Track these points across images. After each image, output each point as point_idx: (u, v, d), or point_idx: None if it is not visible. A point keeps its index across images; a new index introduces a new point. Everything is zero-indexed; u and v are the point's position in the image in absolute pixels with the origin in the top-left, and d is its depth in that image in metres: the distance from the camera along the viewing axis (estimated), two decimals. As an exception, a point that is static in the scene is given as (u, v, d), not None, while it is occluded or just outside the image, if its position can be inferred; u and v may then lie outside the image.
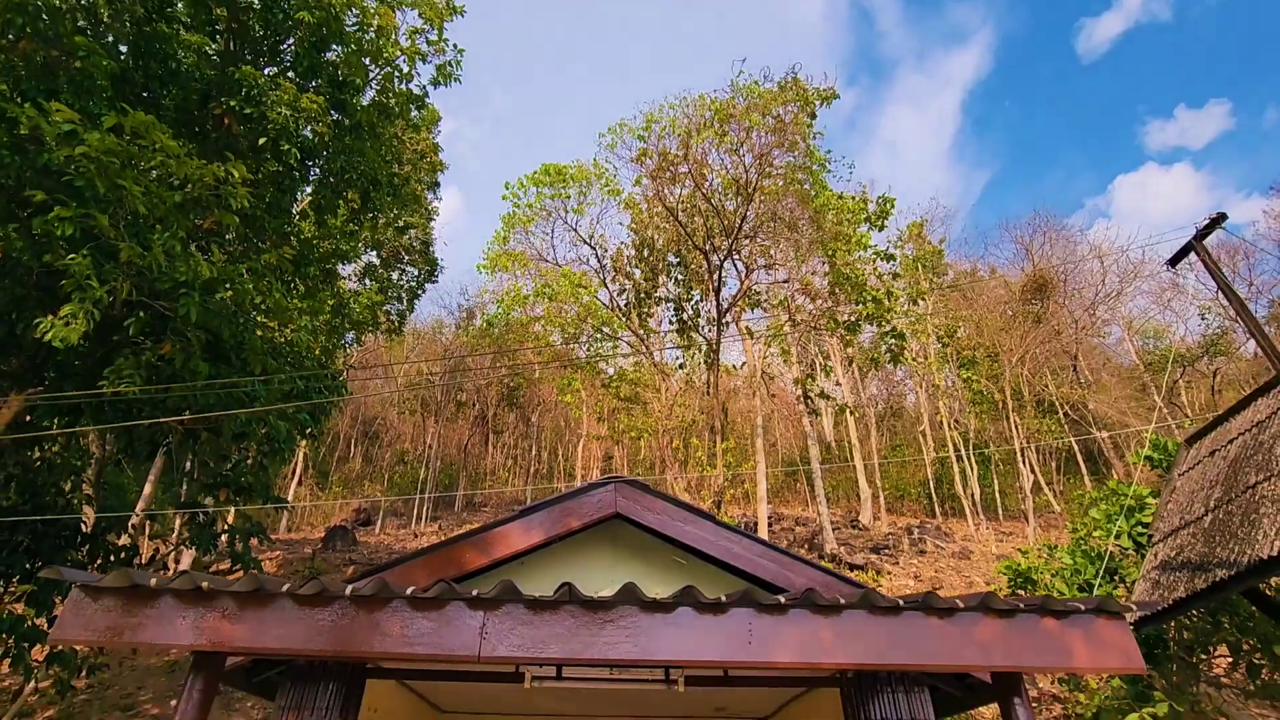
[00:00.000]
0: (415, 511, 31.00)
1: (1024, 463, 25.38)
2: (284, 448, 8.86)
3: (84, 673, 9.22)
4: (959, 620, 3.12)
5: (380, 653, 2.96)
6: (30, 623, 8.55)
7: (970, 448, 27.07)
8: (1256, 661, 7.63)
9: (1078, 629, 3.12)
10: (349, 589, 3.05)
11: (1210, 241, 9.01)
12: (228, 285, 7.23)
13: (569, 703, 7.06)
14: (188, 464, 14.52)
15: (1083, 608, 3.10)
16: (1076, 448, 29.11)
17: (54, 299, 6.88)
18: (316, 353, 12.34)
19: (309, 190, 11.78)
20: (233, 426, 7.83)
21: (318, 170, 10.95)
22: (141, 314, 6.72)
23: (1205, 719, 9.29)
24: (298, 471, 31.12)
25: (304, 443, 25.72)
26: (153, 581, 2.96)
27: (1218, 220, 7.87)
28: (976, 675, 4.87)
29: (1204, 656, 8.62)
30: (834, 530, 23.16)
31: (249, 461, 9.26)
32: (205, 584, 2.95)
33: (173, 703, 12.41)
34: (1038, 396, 27.84)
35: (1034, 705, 12.56)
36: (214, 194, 7.52)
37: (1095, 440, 28.24)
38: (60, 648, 9.00)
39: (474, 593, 3.06)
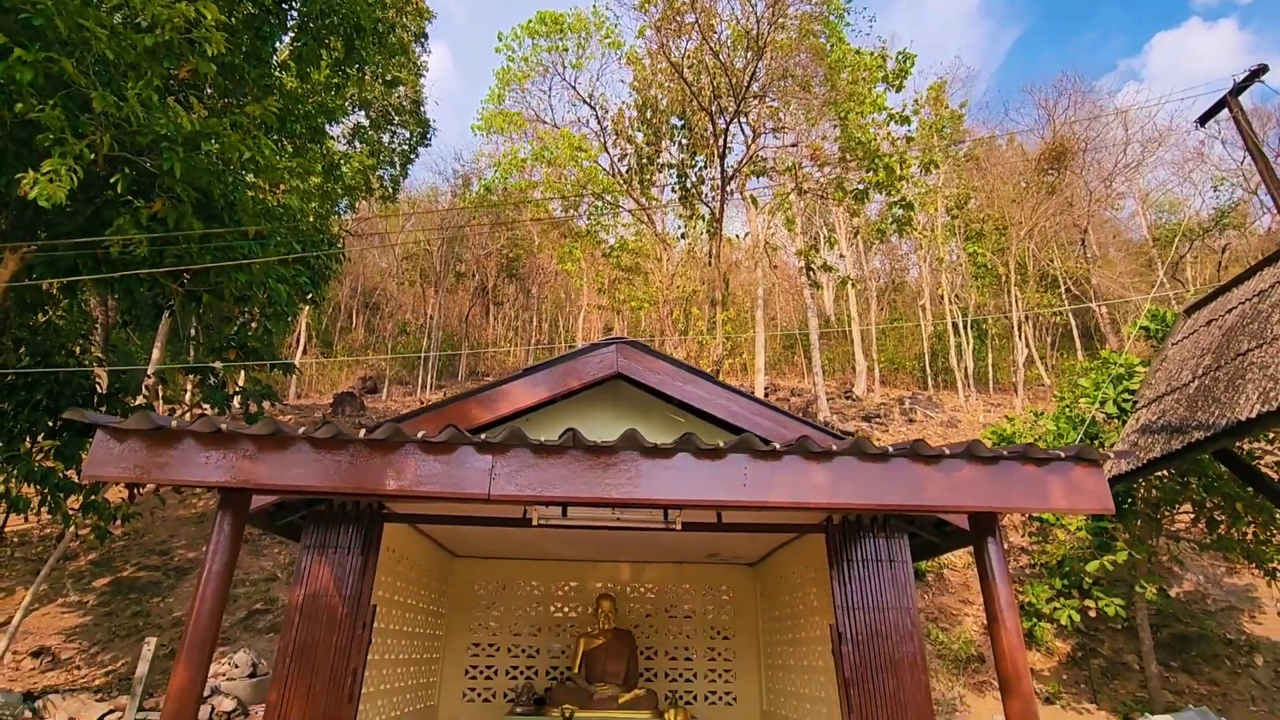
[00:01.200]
0: (420, 380, 31.79)
1: (1020, 337, 25.67)
2: (286, 311, 8.90)
3: (119, 520, 9.86)
4: (944, 466, 3.28)
5: (396, 491, 3.14)
6: (61, 475, 9.03)
7: (968, 322, 27.26)
8: (1217, 518, 8.15)
9: (1056, 475, 3.29)
10: (362, 432, 3.18)
11: (1245, 104, 8.54)
12: (212, 139, 6.91)
13: (573, 546, 7.62)
14: (193, 330, 14.68)
15: (1062, 455, 3.26)
16: (1074, 323, 29.31)
17: (33, 153, 6.61)
18: (310, 219, 12.07)
19: (289, 39, 10.97)
20: (233, 289, 7.83)
21: (296, 14, 10.13)
22: (127, 170, 6.49)
23: (1160, 568, 10.08)
24: (302, 341, 31.53)
25: (306, 311, 25.77)
26: (174, 423, 3.08)
27: (1258, 72, 7.40)
28: (953, 522, 5.21)
29: (1167, 513, 9.21)
30: (828, 401, 23.88)
31: (253, 325, 9.34)
32: (224, 426, 3.08)
33: (204, 547, 13.38)
34: (1042, 271, 27.64)
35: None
36: (186, 38, 7.01)
37: (1093, 316, 28.41)
38: (95, 498, 9.58)
39: (482, 437, 3.19)
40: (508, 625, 8.74)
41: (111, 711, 8.39)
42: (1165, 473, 8.59)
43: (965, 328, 27.09)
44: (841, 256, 26.21)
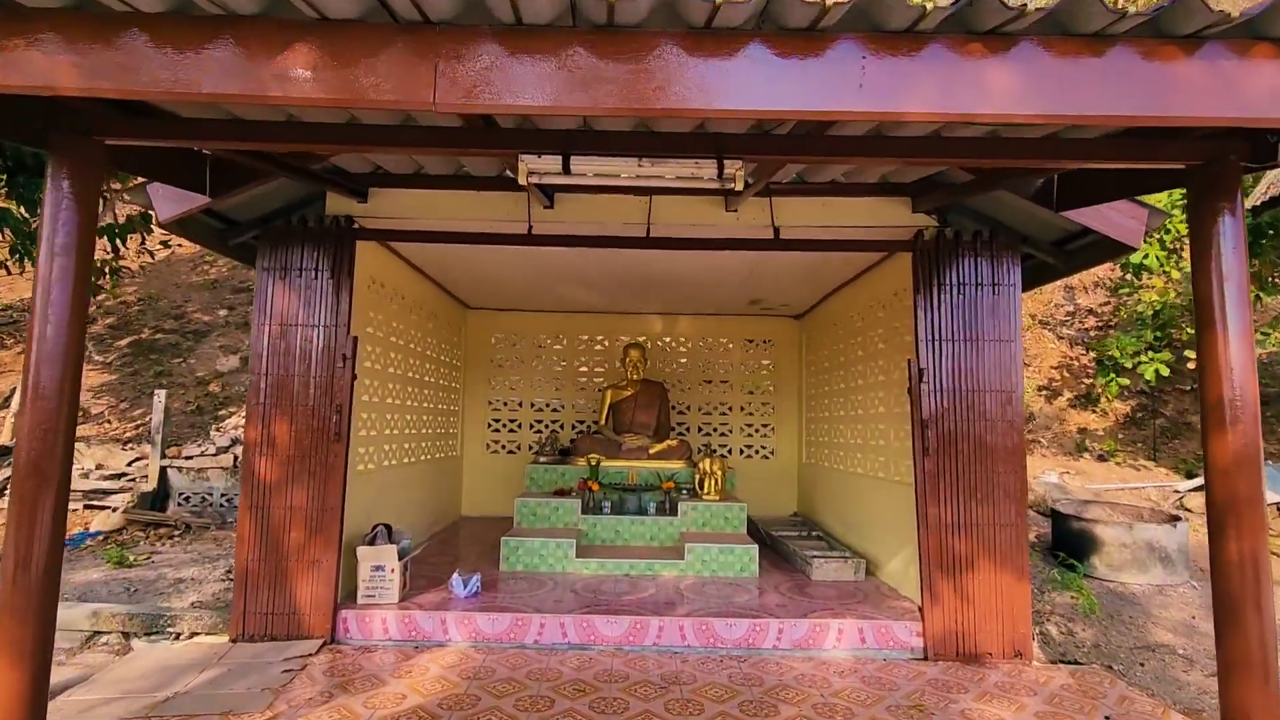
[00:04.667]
0: None
1: None
2: None
3: (106, 275, 9.12)
4: (1210, 53, 1.90)
5: (283, 100, 1.92)
6: (21, 217, 8.08)
7: None
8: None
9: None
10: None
11: None
12: None
13: (595, 289, 6.59)
14: None
15: None
16: None
17: None
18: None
19: None
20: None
21: None
22: None
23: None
24: None
25: None
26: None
27: None
28: (1096, 229, 3.92)
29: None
30: None
31: None
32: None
33: (220, 311, 12.96)
34: None
35: (1067, 309, 12.43)
36: None
37: None
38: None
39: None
40: (529, 380, 8.17)
41: (139, 459, 8.34)
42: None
43: None
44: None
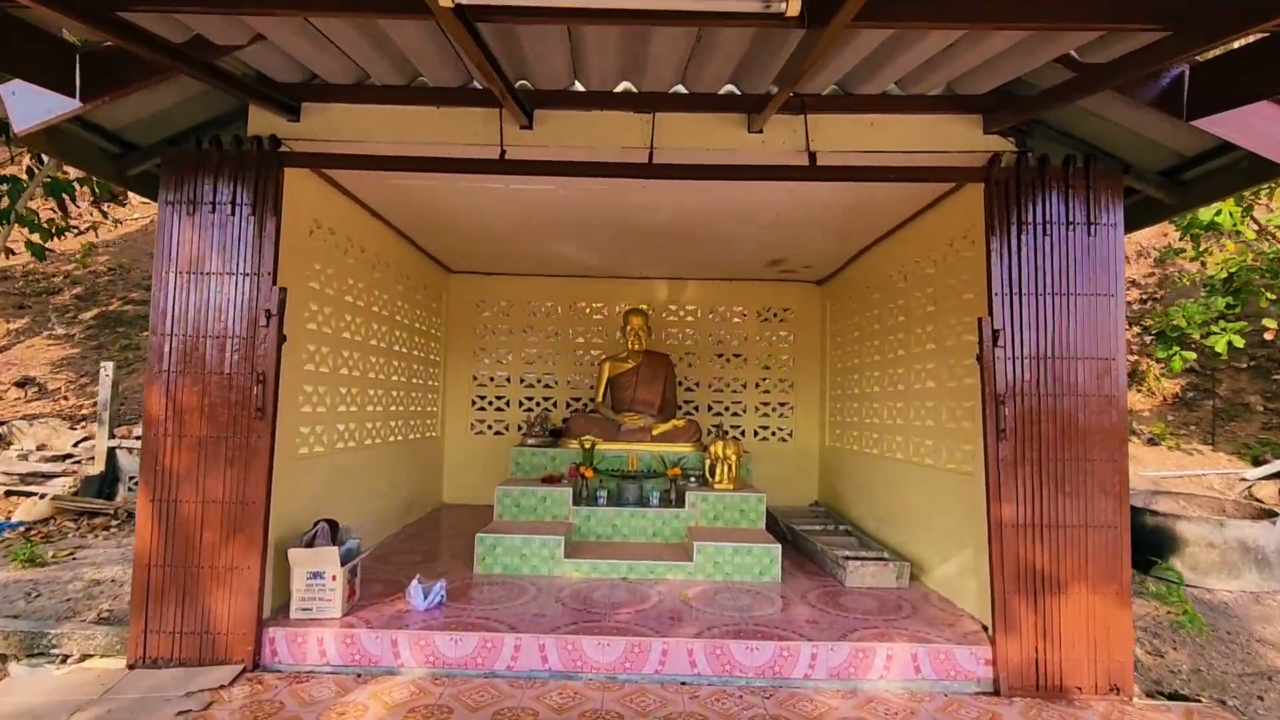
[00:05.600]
0: None
1: None
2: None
3: (55, 236, 8.27)
4: None
5: None
6: None
7: None
8: None
9: None
10: None
11: None
12: None
13: (591, 247, 5.69)
14: None
15: None
16: None
17: None
18: None
19: None
20: None
21: None
22: None
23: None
24: None
25: None
26: None
27: None
28: (1242, 144, 3.00)
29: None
30: None
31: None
32: None
33: (193, 282, 12.07)
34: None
35: (1131, 279, 11.41)
36: None
37: None
38: (21, 209, 7.89)
39: None
40: (519, 352, 7.31)
41: (86, 439, 7.54)
42: None
43: None
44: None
